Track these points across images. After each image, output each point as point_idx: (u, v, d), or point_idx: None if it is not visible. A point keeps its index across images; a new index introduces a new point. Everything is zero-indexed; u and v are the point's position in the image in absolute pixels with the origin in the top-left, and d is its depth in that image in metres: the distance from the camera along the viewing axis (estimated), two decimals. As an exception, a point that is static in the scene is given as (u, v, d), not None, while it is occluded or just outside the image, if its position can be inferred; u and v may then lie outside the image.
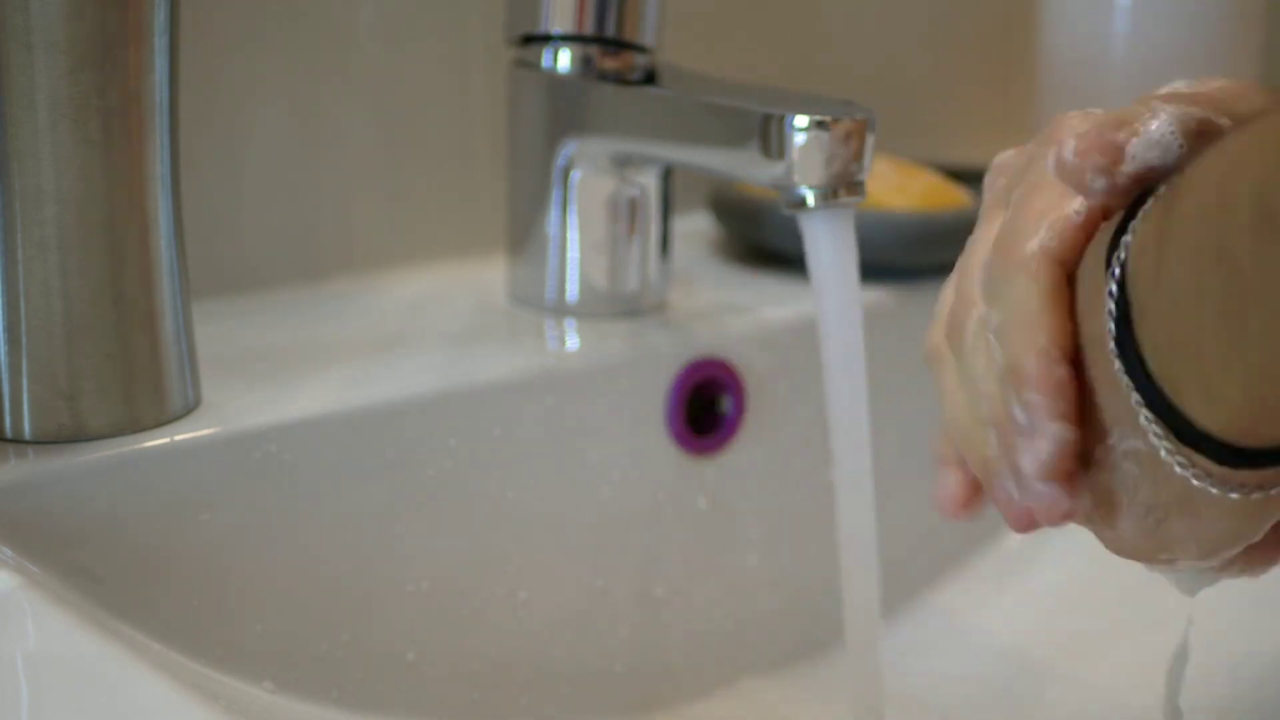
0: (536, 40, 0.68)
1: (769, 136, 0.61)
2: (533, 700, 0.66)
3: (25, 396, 0.56)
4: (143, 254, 0.56)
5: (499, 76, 0.72)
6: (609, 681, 0.68)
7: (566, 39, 0.68)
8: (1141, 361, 0.38)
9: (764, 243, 0.78)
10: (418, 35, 0.75)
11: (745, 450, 0.71)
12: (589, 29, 0.67)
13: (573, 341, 0.69)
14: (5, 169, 0.54)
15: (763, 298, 0.74)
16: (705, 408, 0.70)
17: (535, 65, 0.69)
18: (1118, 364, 0.39)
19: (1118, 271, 0.39)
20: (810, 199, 0.60)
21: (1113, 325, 0.39)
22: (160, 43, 0.55)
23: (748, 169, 0.63)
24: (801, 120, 0.60)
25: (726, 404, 0.71)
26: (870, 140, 0.61)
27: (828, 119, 0.60)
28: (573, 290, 0.70)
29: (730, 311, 0.73)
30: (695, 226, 0.83)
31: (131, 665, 0.47)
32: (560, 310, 0.70)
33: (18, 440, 0.56)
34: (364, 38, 0.74)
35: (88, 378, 0.56)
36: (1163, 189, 0.39)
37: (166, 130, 0.56)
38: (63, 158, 0.54)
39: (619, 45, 0.67)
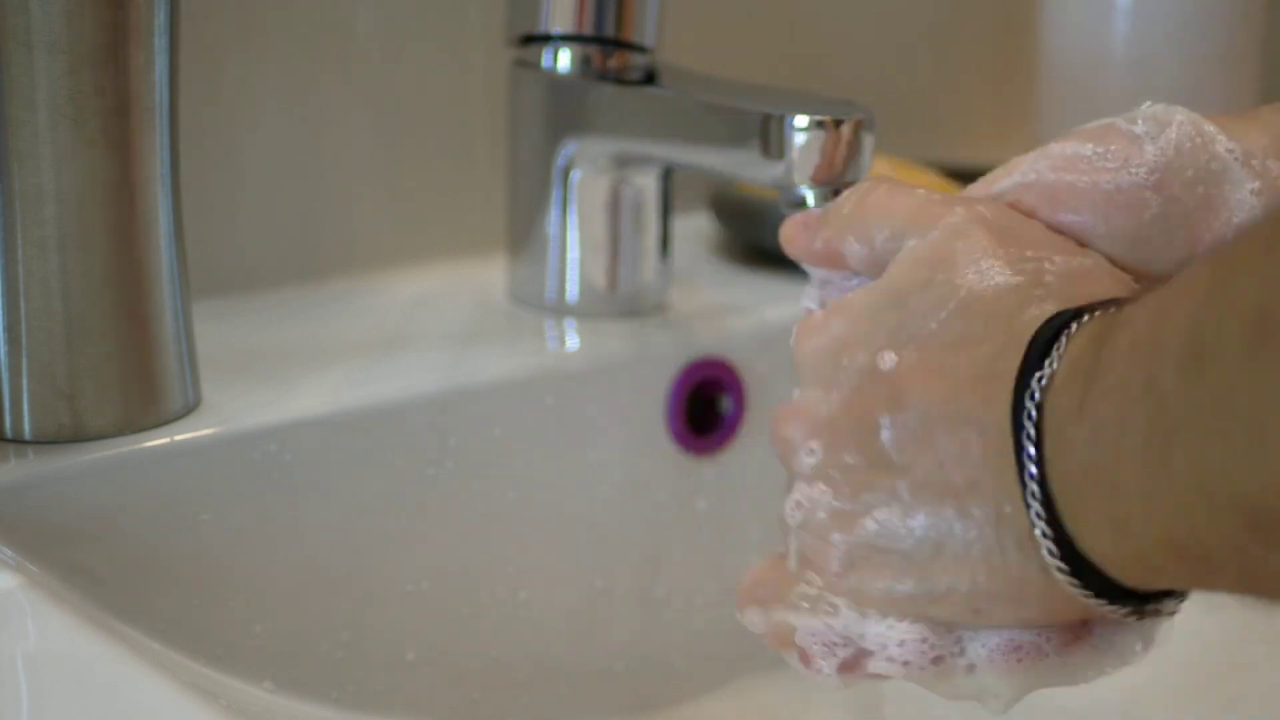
0: (536, 40, 0.68)
1: (769, 136, 0.61)
2: (533, 700, 0.66)
3: (25, 396, 0.56)
4: (143, 254, 0.56)
5: (499, 76, 0.72)
6: (609, 681, 0.68)
7: (566, 39, 0.68)
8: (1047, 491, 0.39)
9: (764, 243, 0.78)
10: (418, 35, 0.75)
11: (745, 450, 0.71)
12: (589, 29, 0.67)
13: (573, 341, 0.70)
14: (5, 169, 0.54)
15: (763, 298, 0.74)
16: (705, 408, 0.70)
17: (535, 65, 0.69)
18: (1035, 492, 0.39)
19: (1034, 409, 0.39)
20: (810, 199, 0.60)
21: (1033, 461, 0.39)
22: (160, 43, 0.55)
23: (748, 169, 0.63)
24: (801, 120, 0.60)
25: (726, 404, 0.71)
26: (870, 140, 0.61)
27: (827, 119, 0.60)
28: (573, 290, 0.70)
29: (730, 311, 0.73)
30: (695, 226, 0.83)
31: (131, 665, 0.47)
32: (560, 310, 0.70)
33: (18, 440, 0.56)
34: (364, 38, 0.74)
35: (88, 378, 0.56)
36: (1075, 330, 0.39)
37: (166, 130, 0.56)
38: (63, 158, 0.54)
39: (619, 45, 0.67)
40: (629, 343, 0.69)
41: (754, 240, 0.79)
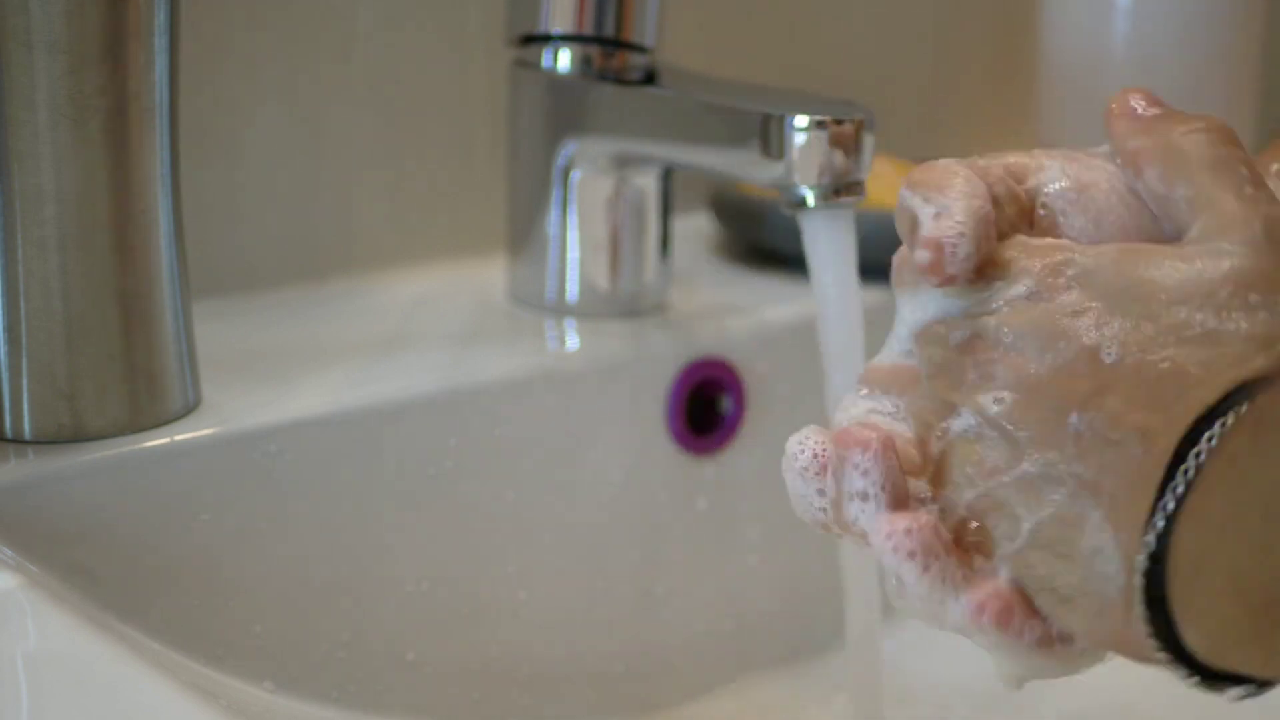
0: (536, 40, 0.68)
1: (769, 136, 0.61)
2: (533, 700, 0.66)
3: (25, 396, 0.56)
4: (143, 254, 0.56)
5: (499, 76, 0.72)
6: (609, 681, 0.68)
7: (566, 39, 0.68)
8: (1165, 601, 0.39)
9: (764, 243, 0.78)
10: (418, 35, 0.75)
11: (745, 450, 0.71)
12: (589, 29, 0.67)
13: (573, 341, 0.69)
14: (5, 169, 0.54)
15: (763, 298, 0.74)
16: (705, 408, 0.70)
17: (535, 65, 0.69)
18: (1158, 526, 0.39)
19: (1205, 450, 0.39)
20: (810, 199, 0.60)
21: (1175, 498, 0.39)
22: (160, 43, 0.55)
23: (748, 169, 0.63)
24: (801, 120, 0.60)
25: (726, 404, 0.71)
26: (870, 140, 0.61)
27: (827, 119, 0.60)
28: (573, 290, 0.70)
29: (730, 311, 0.73)
30: (695, 226, 0.83)
31: (131, 665, 0.47)
32: (560, 310, 0.70)
33: (18, 440, 0.56)
34: (364, 38, 0.74)
35: (88, 378, 0.56)
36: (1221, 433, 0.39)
37: (166, 130, 0.56)
38: (63, 158, 0.54)
39: (619, 45, 0.68)
40: (629, 343, 0.69)
41: (754, 240, 0.79)
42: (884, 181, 0.77)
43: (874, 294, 0.73)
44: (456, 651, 0.64)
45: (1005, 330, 0.43)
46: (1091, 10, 0.87)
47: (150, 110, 0.55)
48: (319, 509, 0.61)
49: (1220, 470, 0.38)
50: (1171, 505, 0.39)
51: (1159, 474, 0.39)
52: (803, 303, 0.70)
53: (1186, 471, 0.39)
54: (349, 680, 0.61)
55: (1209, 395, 0.40)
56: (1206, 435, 0.39)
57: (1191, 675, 0.40)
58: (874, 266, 0.69)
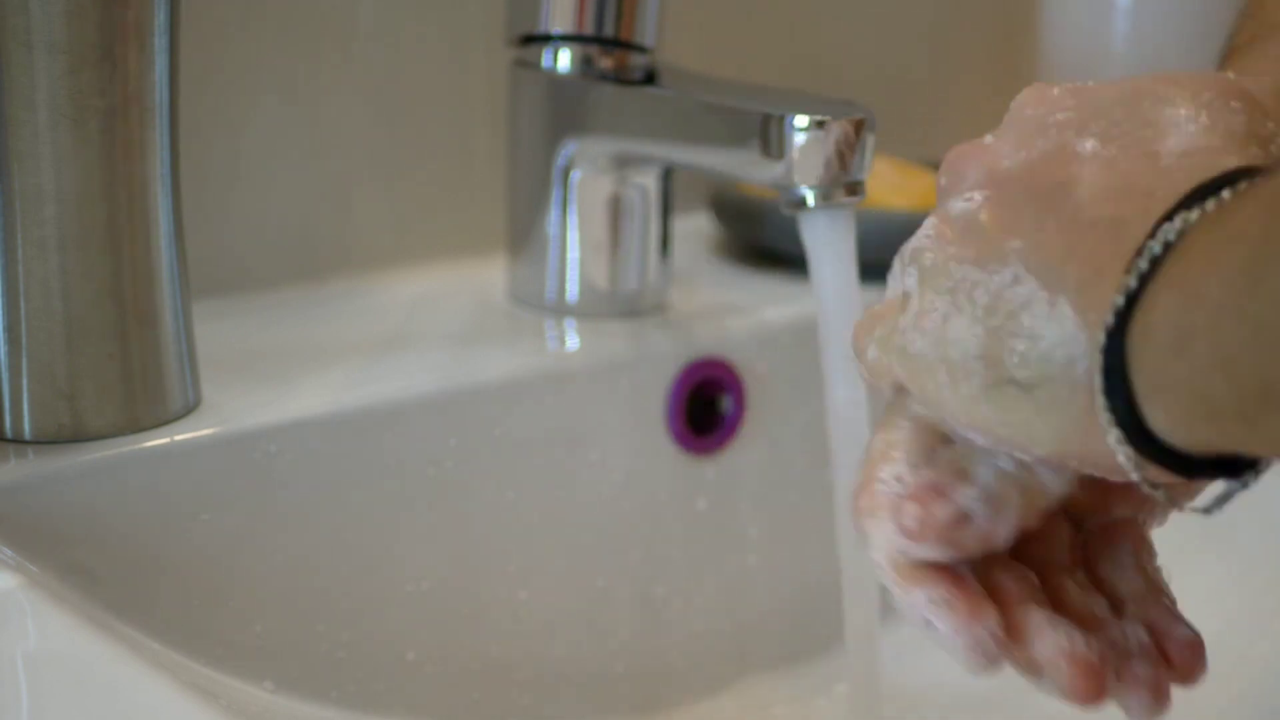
0: (536, 40, 0.68)
1: (769, 136, 0.61)
2: (533, 700, 0.66)
3: (25, 396, 0.56)
4: (143, 254, 0.56)
5: (499, 76, 0.72)
6: (609, 682, 0.68)
7: (566, 39, 0.68)
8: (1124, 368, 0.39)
9: (764, 243, 0.78)
10: (418, 35, 0.75)
11: (745, 450, 0.71)
12: (589, 29, 0.67)
13: (573, 341, 0.70)
14: (5, 169, 0.54)
15: (763, 298, 0.74)
16: (705, 408, 0.70)
17: (535, 65, 0.69)
18: (1129, 285, 0.39)
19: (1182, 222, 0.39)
20: (810, 199, 0.60)
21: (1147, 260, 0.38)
22: (160, 43, 0.55)
23: (748, 169, 0.63)
24: (801, 120, 0.60)
25: (726, 404, 0.71)
26: (870, 140, 0.61)
27: (827, 119, 0.60)
28: (573, 290, 0.70)
29: (730, 311, 0.73)
30: (695, 226, 0.83)
31: (131, 665, 0.48)
32: (560, 310, 0.70)
33: (18, 440, 0.56)
34: (364, 37, 0.74)
35: (88, 378, 0.56)
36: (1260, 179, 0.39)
37: (166, 130, 0.56)
38: (63, 158, 0.54)
39: (619, 45, 0.68)
40: (629, 343, 0.69)
41: (754, 240, 0.79)
42: (884, 181, 0.77)
43: (874, 294, 0.73)
44: (456, 651, 0.64)
45: (999, 131, 0.44)
46: (1091, 10, 0.87)
47: (150, 110, 0.55)
48: (319, 509, 0.61)
49: (1216, 246, 0.37)
50: (1134, 283, 0.38)
51: (1128, 254, 0.39)
52: (803, 303, 0.70)
53: (1153, 248, 0.38)
54: (349, 680, 0.61)
55: (1185, 184, 0.40)
56: (1181, 215, 0.38)
57: (1155, 465, 0.39)
58: (874, 266, 0.69)
